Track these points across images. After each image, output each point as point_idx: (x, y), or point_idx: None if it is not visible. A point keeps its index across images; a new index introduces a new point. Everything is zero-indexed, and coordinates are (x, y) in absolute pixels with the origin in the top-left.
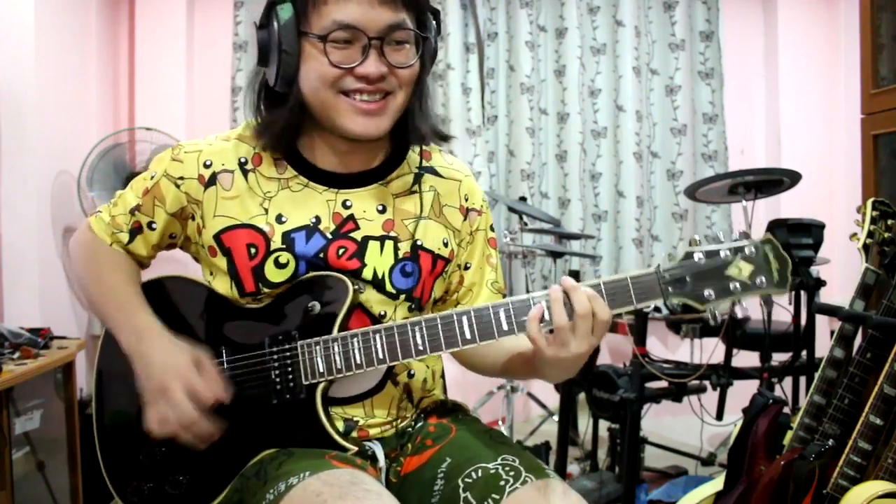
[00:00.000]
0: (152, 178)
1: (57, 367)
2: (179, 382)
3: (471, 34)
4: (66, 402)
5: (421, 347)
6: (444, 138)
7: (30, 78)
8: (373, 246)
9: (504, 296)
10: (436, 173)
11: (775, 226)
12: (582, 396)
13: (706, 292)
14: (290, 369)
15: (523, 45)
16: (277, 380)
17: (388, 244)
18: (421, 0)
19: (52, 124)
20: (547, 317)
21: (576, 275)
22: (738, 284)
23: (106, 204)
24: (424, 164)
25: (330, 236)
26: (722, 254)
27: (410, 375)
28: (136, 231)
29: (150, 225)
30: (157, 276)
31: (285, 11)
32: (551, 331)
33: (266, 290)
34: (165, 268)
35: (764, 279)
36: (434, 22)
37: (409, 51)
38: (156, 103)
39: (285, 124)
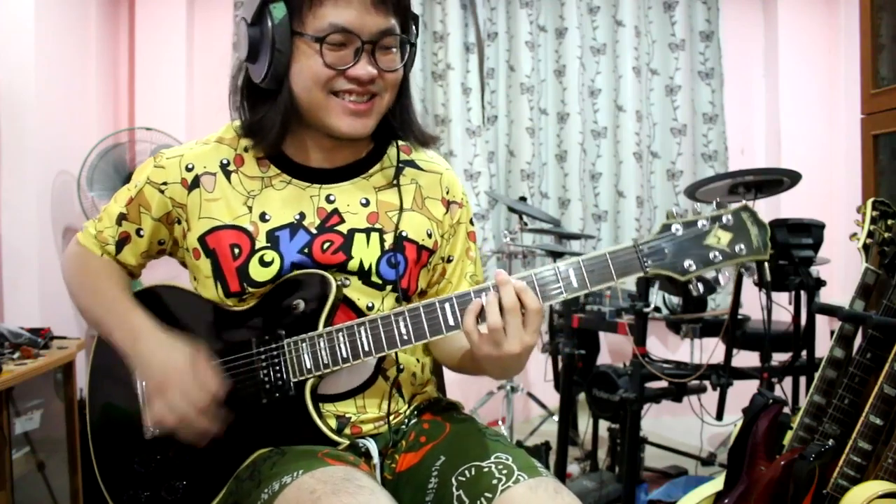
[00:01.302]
0: (136, 186)
1: (57, 367)
2: (176, 383)
3: (471, 34)
4: (66, 402)
5: (406, 337)
6: (424, 143)
7: (30, 78)
8: (359, 238)
9: None
10: (416, 167)
11: (775, 226)
12: (582, 396)
13: (686, 263)
14: (278, 368)
15: (523, 45)
16: (266, 379)
17: (374, 236)
18: (408, 7)
19: (52, 124)
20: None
21: None
22: (717, 253)
23: (91, 220)
24: (404, 157)
25: (315, 231)
26: (699, 223)
27: (399, 370)
28: (123, 241)
29: (137, 232)
30: (146, 284)
31: (278, 10)
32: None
33: (251, 289)
34: (160, 270)
35: (743, 246)
36: (414, 27)
37: (396, 55)
38: (156, 103)
39: (278, 123)
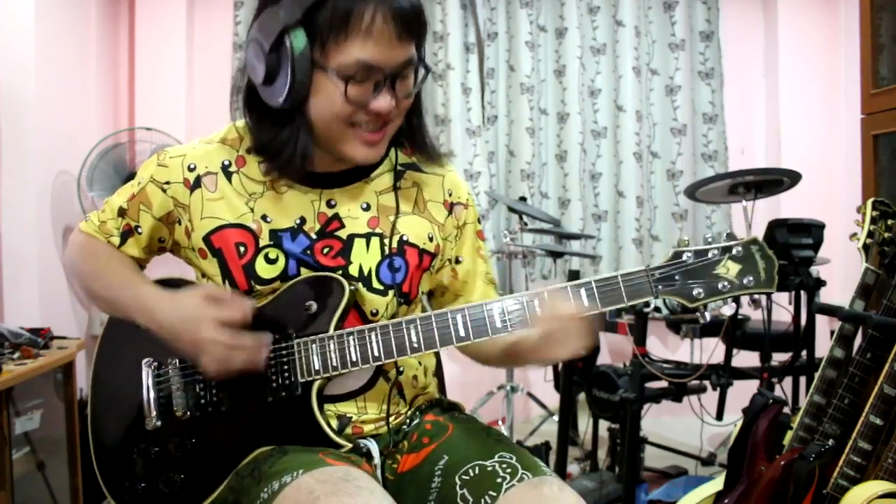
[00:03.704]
0: (139, 183)
1: (57, 367)
2: (202, 326)
3: (471, 34)
4: (66, 402)
5: (416, 345)
6: (436, 159)
7: (30, 78)
8: (359, 243)
9: (495, 285)
10: (419, 169)
11: (775, 226)
12: (582, 396)
13: (695, 291)
14: (286, 367)
15: (523, 45)
16: (273, 377)
17: (374, 241)
18: (426, 30)
19: (52, 124)
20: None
21: (576, 274)
22: (726, 283)
23: (95, 211)
24: (406, 160)
25: (315, 236)
26: (710, 254)
27: (400, 372)
28: (126, 234)
29: (136, 229)
30: (156, 278)
31: (299, 40)
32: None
33: (258, 287)
34: (166, 268)
35: (752, 278)
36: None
37: (411, 79)
38: (156, 103)
39: (299, 154)
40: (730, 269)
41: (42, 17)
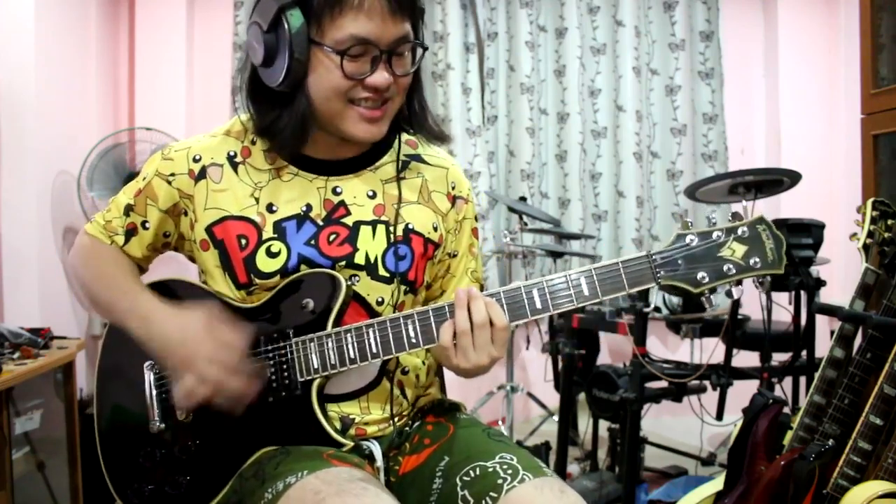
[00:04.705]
0: (144, 179)
1: (57, 367)
2: (198, 351)
3: (471, 34)
4: (66, 402)
5: (414, 340)
6: (439, 138)
7: (30, 78)
8: (365, 230)
9: (481, 285)
10: (423, 161)
11: (775, 226)
12: (582, 396)
13: (699, 275)
14: (285, 367)
15: (523, 45)
16: (273, 377)
17: (380, 228)
18: (420, 11)
19: (52, 124)
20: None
21: None
22: (731, 266)
23: (100, 212)
24: (411, 151)
25: (321, 223)
26: (714, 235)
27: (404, 372)
28: (130, 232)
29: (143, 224)
30: (156, 279)
31: (296, 18)
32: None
33: (258, 280)
34: (166, 269)
35: (758, 259)
36: (421, 21)
37: (409, 58)
38: (156, 103)
39: (299, 131)
40: (735, 250)
41: (42, 17)
